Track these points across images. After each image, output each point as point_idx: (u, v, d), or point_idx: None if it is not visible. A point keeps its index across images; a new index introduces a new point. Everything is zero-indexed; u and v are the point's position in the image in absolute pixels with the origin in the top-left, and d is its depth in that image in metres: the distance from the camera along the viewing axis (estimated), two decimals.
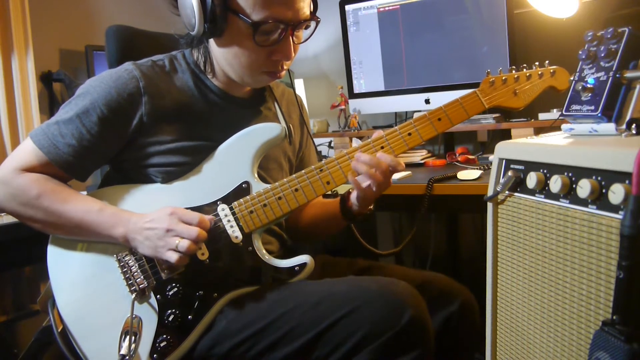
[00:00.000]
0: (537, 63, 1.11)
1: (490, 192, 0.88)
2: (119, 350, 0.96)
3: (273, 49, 1.03)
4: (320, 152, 2.32)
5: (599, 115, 0.81)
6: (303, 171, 1.06)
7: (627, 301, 0.59)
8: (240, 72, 1.08)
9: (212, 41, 1.07)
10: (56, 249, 1.06)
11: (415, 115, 1.87)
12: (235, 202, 1.05)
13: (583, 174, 0.70)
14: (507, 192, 0.85)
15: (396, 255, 2.39)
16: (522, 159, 0.83)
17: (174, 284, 1.01)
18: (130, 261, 1.03)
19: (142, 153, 1.08)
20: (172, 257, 0.96)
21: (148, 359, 0.98)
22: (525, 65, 1.11)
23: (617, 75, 0.80)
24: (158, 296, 1.01)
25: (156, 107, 1.07)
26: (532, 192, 0.80)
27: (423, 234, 2.33)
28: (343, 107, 2.27)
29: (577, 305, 0.72)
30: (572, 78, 0.88)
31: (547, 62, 1.11)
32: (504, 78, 1.09)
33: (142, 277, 1.02)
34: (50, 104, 2.05)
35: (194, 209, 1.04)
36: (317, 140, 2.32)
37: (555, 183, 0.73)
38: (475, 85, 1.11)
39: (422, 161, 1.90)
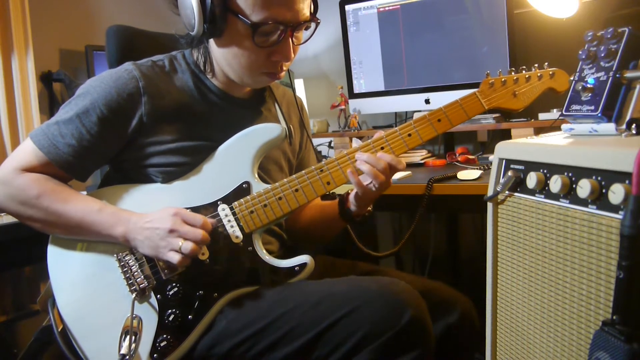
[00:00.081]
0: (536, 65, 1.11)
1: (490, 192, 0.89)
2: (119, 350, 0.96)
3: (272, 49, 1.03)
4: (320, 152, 2.32)
5: (599, 115, 0.81)
6: (303, 171, 1.06)
7: (627, 301, 0.59)
8: (239, 73, 1.08)
9: (212, 41, 1.07)
10: (56, 249, 1.07)
11: (415, 115, 1.87)
12: (236, 202, 1.05)
13: (583, 174, 0.70)
14: (507, 192, 0.85)
15: (396, 255, 2.39)
16: (522, 159, 0.83)
17: (174, 284, 1.01)
18: (131, 261, 1.03)
19: (142, 153, 1.08)
20: (175, 258, 0.96)
21: (148, 358, 0.98)
22: (524, 67, 1.11)
23: (617, 75, 0.80)
24: (158, 296, 1.01)
25: (156, 107, 1.07)
26: (532, 192, 0.80)
27: (423, 234, 2.33)
28: (343, 107, 2.27)
29: (577, 305, 0.72)
30: (572, 78, 0.88)
31: (546, 63, 1.11)
32: (503, 80, 1.09)
33: (142, 276, 1.02)
34: (50, 104, 2.05)
35: (194, 209, 1.04)
36: (317, 140, 2.32)
37: (555, 183, 0.73)
38: (475, 85, 1.12)
39: (422, 161, 1.90)
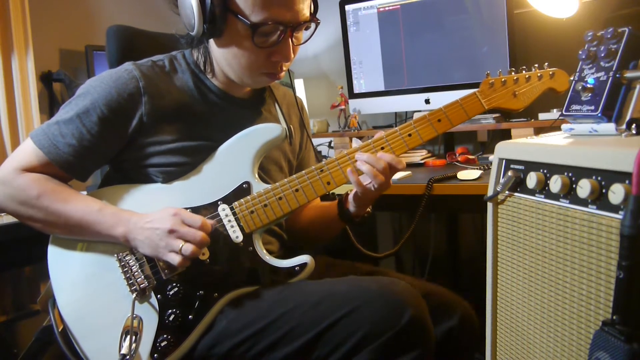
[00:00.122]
0: (536, 65, 1.11)
1: (490, 192, 0.89)
2: (120, 350, 0.96)
3: (272, 50, 1.03)
4: (320, 152, 2.32)
5: (599, 115, 0.81)
6: (303, 171, 1.06)
7: (627, 301, 0.59)
8: (239, 73, 1.08)
9: (212, 41, 1.07)
10: (56, 249, 1.07)
11: (415, 115, 1.87)
12: (236, 202, 1.05)
13: (583, 174, 0.70)
14: (507, 192, 0.85)
15: (396, 256, 2.40)
16: (522, 159, 0.83)
17: (174, 284, 1.01)
18: (131, 261, 1.03)
19: (142, 153, 1.08)
20: (175, 259, 0.96)
21: (149, 358, 0.98)
22: (524, 67, 1.11)
23: (617, 75, 0.80)
24: (159, 296, 1.01)
25: (156, 107, 1.07)
26: (532, 192, 0.80)
27: (423, 234, 2.33)
28: (343, 107, 2.27)
29: (577, 305, 0.72)
30: (572, 78, 0.88)
31: (546, 64, 1.11)
32: (503, 80, 1.09)
33: (142, 276, 1.02)
34: (50, 104, 2.05)
35: (194, 208, 1.04)
36: (317, 140, 2.32)
37: (555, 183, 0.73)
38: (475, 85, 1.12)
39: (422, 161, 1.90)
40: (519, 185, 0.83)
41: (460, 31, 1.88)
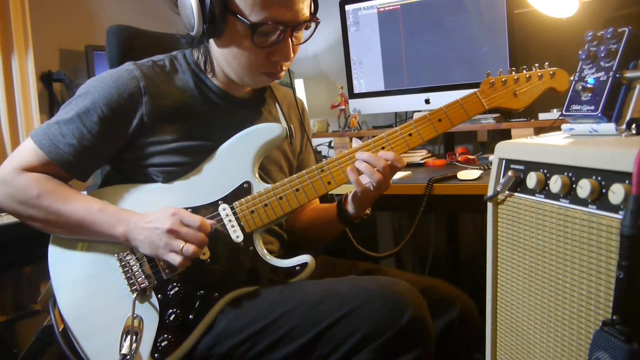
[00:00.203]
0: (536, 65, 1.11)
1: (490, 192, 0.89)
2: (120, 350, 0.96)
3: (272, 49, 1.03)
4: (320, 152, 2.32)
5: (599, 115, 0.81)
6: (304, 171, 1.06)
7: (627, 301, 0.59)
8: (239, 73, 1.08)
9: (212, 41, 1.08)
10: (57, 249, 1.07)
11: (415, 115, 1.87)
12: (237, 202, 1.05)
13: (583, 174, 0.70)
14: (507, 192, 0.85)
15: (396, 256, 2.40)
16: (522, 159, 0.83)
17: (175, 284, 1.01)
18: (132, 260, 1.03)
19: (143, 153, 1.08)
20: (176, 259, 0.96)
21: (149, 358, 0.98)
22: (525, 66, 1.11)
23: (617, 75, 0.80)
24: (159, 296, 1.01)
25: (157, 107, 1.07)
26: (532, 192, 0.80)
27: (423, 234, 2.33)
28: (343, 107, 2.27)
29: (577, 305, 0.72)
30: (572, 78, 0.88)
31: (546, 63, 1.11)
32: (503, 79, 1.09)
33: (143, 276, 1.02)
34: (50, 104, 2.05)
35: (195, 208, 1.05)
36: (317, 140, 2.32)
37: (555, 183, 0.73)
38: (475, 85, 1.12)
39: (422, 161, 1.90)
40: (519, 185, 0.83)
41: (460, 31, 1.88)
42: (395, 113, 2.26)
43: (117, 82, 1.05)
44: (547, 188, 0.77)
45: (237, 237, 1.04)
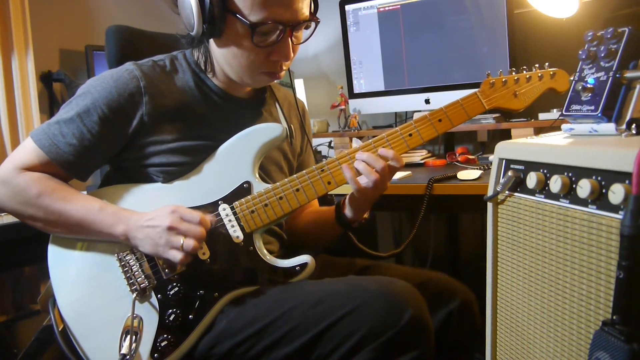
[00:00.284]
0: (537, 65, 1.11)
1: (490, 192, 0.89)
2: (120, 350, 0.96)
3: (272, 49, 1.03)
4: (320, 152, 2.32)
5: (599, 115, 0.81)
6: (304, 171, 1.06)
7: (627, 301, 0.59)
8: (239, 72, 1.08)
9: (212, 41, 1.08)
10: (57, 248, 1.07)
11: (416, 115, 1.87)
12: (237, 202, 1.05)
13: (583, 174, 0.70)
14: (507, 192, 0.85)
15: (396, 256, 2.40)
16: (522, 159, 0.83)
17: (174, 284, 1.01)
18: (131, 260, 1.03)
19: (143, 153, 1.08)
20: (177, 256, 0.96)
21: (149, 358, 0.98)
22: (525, 67, 1.11)
23: (617, 75, 0.80)
24: (159, 295, 1.01)
25: (157, 106, 1.07)
26: (532, 192, 0.80)
27: (423, 234, 2.33)
28: (343, 107, 2.27)
29: (577, 305, 0.72)
30: (572, 78, 0.88)
31: (547, 64, 1.11)
32: (504, 80, 1.09)
33: (142, 276, 1.02)
34: (50, 104, 2.05)
35: (195, 208, 1.04)
36: (317, 140, 2.32)
37: (555, 183, 0.73)
38: (475, 85, 1.12)
39: (422, 161, 1.91)
40: (519, 185, 0.83)
41: (460, 31, 1.88)
42: (395, 113, 2.26)
43: (118, 82, 1.05)
44: (547, 188, 0.77)
45: (237, 237, 1.04)
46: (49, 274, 1.05)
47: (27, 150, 1.05)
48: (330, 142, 2.32)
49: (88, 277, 1.04)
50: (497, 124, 1.83)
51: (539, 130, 1.70)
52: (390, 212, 2.43)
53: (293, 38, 1.04)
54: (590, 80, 0.84)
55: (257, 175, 1.08)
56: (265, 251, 1.06)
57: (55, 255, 1.06)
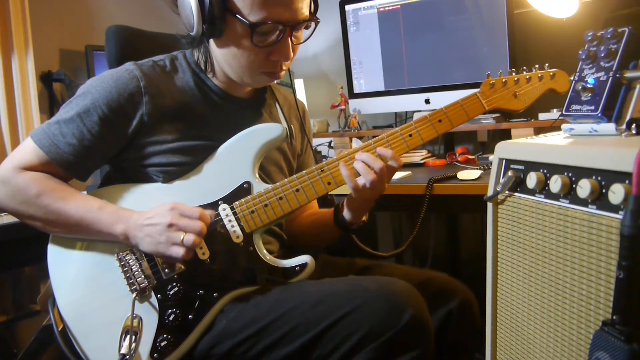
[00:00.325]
0: (537, 66, 1.11)
1: (490, 192, 0.89)
2: (119, 350, 0.96)
3: (271, 49, 1.03)
4: (320, 152, 2.32)
5: (599, 115, 0.81)
6: (304, 171, 1.06)
7: (627, 301, 0.59)
8: (239, 72, 1.08)
9: (212, 41, 1.08)
10: (56, 248, 1.07)
11: (416, 115, 1.87)
12: (237, 202, 1.05)
13: (583, 174, 0.70)
14: (507, 192, 0.85)
15: (396, 255, 2.40)
16: (522, 159, 0.83)
17: (174, 284, 1.01)
18: (131, 260, 1.03)
19: (143, 153, 1.08)
20: (178, 252, 0.96)
21: (148, 358, 0.98)
22: (525, 67, 1.11)
23: (617, 75, 0.80)
24: (159, 295, 1.01)
25: (157, 106, 1.07)
26: (532, 192, 0.80)
27: (423, 234, 2.33)
28: (343, 107, 2.27)
29: (577, 305, 0.72)
30: (572, 78, 0.88)
31: (547, 64, 1.11)
32: (504, 80, 1.09)
33: (142, 276, 1.02)
34: (50, 104, 2.05)
35: None
36: (317, 140, 2.32)
37: (555, 183, 0.73)
38: (475, 85, 1.12)
39: (422, 161, 1.90)
40: (519, 185, 0.83)
41: (460, 31, 1.88)
42: (395, 113, 2.26)
43: (118, 82, 1.05)
44: (547, 188, 0.77)
45: (237, 237, 1.04)
46: (49, 273, 1.05)
47: (27, 150, 1.05)
48: (330, 142, 2.32)
49: (88, 277, 1.04)
50: (497, 124, 1.83)
51: (539, 130, 1.70)
52: (390, 212, 2.43)
53: (293, 38, 1.04)
54: (590, 80, 0.84)
55: (257, 176, 1.08)
56: (265, 251, 1.06)
57: (55, 255, 1.06)
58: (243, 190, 1.07)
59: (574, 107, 0.86)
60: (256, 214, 1.05)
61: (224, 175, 1.08)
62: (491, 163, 1.03)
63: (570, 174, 0.73)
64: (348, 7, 2.09)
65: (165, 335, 0.99)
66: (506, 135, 1.86)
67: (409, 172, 1.65)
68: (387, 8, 2.01)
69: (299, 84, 2.37)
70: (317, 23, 1.07)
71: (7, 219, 1.41)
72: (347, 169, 1.04)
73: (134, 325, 0.98)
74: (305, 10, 1.04)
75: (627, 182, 0.63)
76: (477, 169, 1.55)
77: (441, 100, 1.92)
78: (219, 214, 1.05)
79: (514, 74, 1.10)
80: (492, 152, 1.40)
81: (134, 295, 1.00)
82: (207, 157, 1.10)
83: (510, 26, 1.77)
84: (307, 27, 1.08)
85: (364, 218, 1.18)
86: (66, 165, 1.05)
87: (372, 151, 1.06)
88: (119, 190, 1.09)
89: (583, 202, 0.70)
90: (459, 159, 1.80)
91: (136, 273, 1.02)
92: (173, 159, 1.08)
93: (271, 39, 1.02)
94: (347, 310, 0.93)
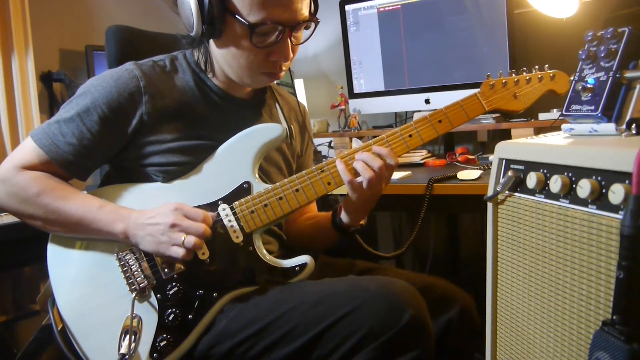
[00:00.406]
0: (537, 66, 1.11)
1: (490, 192, 0.89)
2: (119, 349, 0.96)
3: (271, 50, 1.03)
4: (320, 152, 2.32)
5: (599, 115, 0.81)
6: (304, 171, 1.06)
7: (627, 301, 0.59)
8: (239, 73, 1.08)
9: (211, 42, 1.08)
10: (56, 248, 1.07)
11: (416, 115, 1.87)
12: (236, 202, 1.05)
13: (583, 174, 0.70)
14: (507, 192, 0.85)
15: (396, 256, 2.40)
16: (522, 159, 0.83)
17: (174, 283, 1.01)
18: (131, 260, 1.03)
19: (143, 152, 1.08)
20: (179, 252, 0.96)
21: (148, 358, 0.98)
22: (525, 68, 1.11)
23: (617, 75, 0.80)
24: (158, 295, 1.01)
25: (157, 106, 1.07)
26: (532, 192, 0.80)
27: (423, 234, 2.33)
28: (343, 107, 2.27)
29: (577, 305, 0.72)
30: (572, 78, 0.88)
31: (547, 65, 1.11)
32: (504, 81, 1.09)
33: (142, 276, 1.02)
34: (50, 104, 2.05)
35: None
36: (317, 140, 2.32)
37: (555, 183, 0.73)
38: (475, 85, 1.12)
39: (422, 161, 1.90)
40: (519, 185, 0.83)
41: (460, 31, 1.88)
42: (395, 113, 2.26)
43: (118, 82, 1.05)
44: (547, 188, 0.77)
45: (237, 237, 1.04)
46: (49, 273, 1.05)
47: (27, 149, 1.05)
48: (330, 142, 2.32)
49: (87, 277, 1.04)
50: (497, 124, 1.83)
51: (539, 130, 1.70)
52: (390, 212, 2.43)
53: (292, 38, 1.04)
54: (590, 80, 0.84)
55: (257, 176, 1.08)
56: (264, 251, 1.06)
57: (55, 254, 1.06)
58: (243, 190, 1.07)
59: (574, 107, 0.86)
60: (256, 214, 1.05)
61: (224, 175, 1.08)
62: (491, 163, 1.03)
63: (570, 174, 0.73)
64: (348, 7, 2.09)
65: (164, 335, 0.99)
66: (506, 135, 1.86)
67: (409, 172, 1.65)
68: (387, 8, 2.01)
69: (299, 84, 2.36)
70: (316, 23, 1.07)
71: (7, 219, 1.41)
72: (343, 164, 1.04)
73: (133, 325, 0.98)
74: (305, 10, 1.03)
75: (627, 182, 0.63)
76: (477, 169, 1.55)
77: (441, 100, 1.92)
78: (218, 214, 1.05)
79: (514, 74, 1.10)
80: (492, 152, 1.40)
81: (134, 295, 1.00)
82: (207, 157, 1.10)
83: (510, 26, 1.77)
84: (307, 28, 1.08)
85: (363, 222, 1.18)
86: (66, 165, 1.05)
87: (370, 150, 1.06)
88: (119, 189, 1.09)
89: (583, 202, 0.70)
90: (459, 159, 1.80)
91: (136, 273, 1.02)
92: (173, 159, 1.08)
93: (270, 39, 1.02)
94: (347, 310, 0.93)
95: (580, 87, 0.85)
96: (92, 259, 1.05)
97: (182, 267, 1.02)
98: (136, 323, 0.99)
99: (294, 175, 1.07)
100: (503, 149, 0.88)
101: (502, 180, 0.86)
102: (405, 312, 0.91)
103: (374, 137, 1.08)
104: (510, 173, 0.84)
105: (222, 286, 1.03)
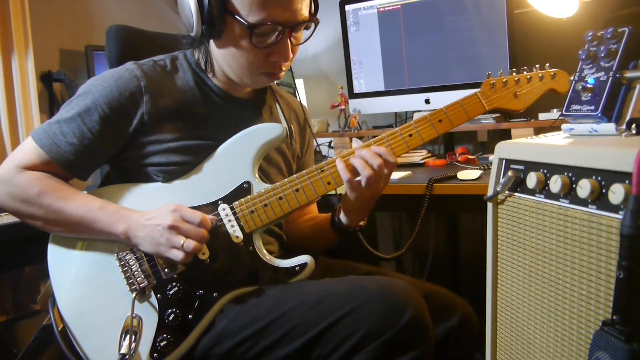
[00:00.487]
0: (537, 66, 1.11)
1: (490, 192, 0.89)
2: (119, 349, 0.96)
3: (271, 50, 1.03)
4: (320, 152, 2.32)
5: (599, 115, 0.81)
6: (304, 171, 1.06)
7: (627, 301, 0.59)
8: (239, 73, 1.08)
9: (211, 42, 1.08)
10: (57, 248, 1.07)
11: (416, 115, 1.87)
12: (236, 202, 1.05)
13: (583, 174, 0.70)
14: (507, 192, 0.85)
15: (396, 256, 2.40)
16: (522, 159, 0.83)
17: (174, 283, 1.01)
18: (131, 260, 1.03)
19: (143, 152, 1.08)
20: (178, 255, 0.96)
21: (148, 358, 0.98)
22: (525, 67, 1.11)
23: (617, 75, 0.80)
24: (158, 295, 1.01)
25: (157, 106, 1.07)
26: (532, 192, 0.80)
27: (423, 234, 2.33)
28: (343, 107, 2.27)
29: (577, 305, 0.72)
30: (572, 78, 0.88)
31: (547, 64, 1.11)
32: (504, 80, 1.09)
33: (142, 276, 1.02)
34: (50, 104, 2.05)
35: (194, 208, 1.04)
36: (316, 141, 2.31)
37: (555, 183, 0.73)
38: (475, 85, 1.12)
39: (422, 161, 1.90)
40: (519, 185, 0.83)
41: (460, 31, 1.88)
42: (395, 113, 2.26)
43: (118, 82, 1.05)
44: (547, 188, 0.77)
45: (237, 237, 1.04)
46: (49, 273, 1.05)
47: (28, 149, 1.05)
48: (330, 142, 2.32)
49: (88, 277, 1.04)
50: (497, 124, 1.83)
51: (539, 130, 1.70)
52: (390, 212, 2.43)
53: (292, 39, 1.04)
54: (590, 80, 0.84)
55: (257, 176, 1.08)
56: (264, 251, 1.06)
57: (55, 254, 1.06)
58: (243, 190, 1.07)
59: (574, 107, 0.86)
60: (256, 213, 1.05)
61: (224, 175, 1.08)
62: (491, 163, 1.03)
63: (570, 174, 0.73)
64: (348, 7, 2.09)
65: (165, 335, 0.99)
66: (506, 135, 1.86)
67: (409, 172, 1.65)
68: (387, 8, 2.00)
69: (299, 84, 2.36)
70: (316, 24, 1.07)
71: (7, 219, 1.41)
72: (342, 162, 1.04)
73: (133, 325, 0.98)
74: (304, 10, 1.03)
75: (627, 182, 0.63)
76: (477, 169, 1.55)
77: (441, 100, 1.92)
78: (218, 214, 1.05)
79: (514, 74, 1.10)
80: (492, 152, 1.40)
81: (134, 294, 1.00)
82: (207, 156, 1.10)
83: (510, 26, 1.77)
84: (307, 28, 1.08)
85: (362, 223, 1.18)
86: (67, 165, 1.05)
87: (369, 149, 1.06)
88: (119, 189, 1.09)
89: (583, 202, 0.70)
90: (459, 159, 1.80)
91: (136, 273, 1.02)
92: (173, 159, 1.08)
93: (270, 39, 1.02)
94: (347, 310, 0.93)
95: (580, 87, 0.85)
96: (92, 259, 1.05)
97: (183, 267, 1.02)
98: (136, 323, 0.99)
99: (294, 175, 1.07)
100: (503, 149, 0.88)
101: (502, 180, 0.86)
102: (405, 312, 0.91)
103: (374, 137, 1.08)
104: (510, 173, 0.84)
105: (222, 286, 1.03)
